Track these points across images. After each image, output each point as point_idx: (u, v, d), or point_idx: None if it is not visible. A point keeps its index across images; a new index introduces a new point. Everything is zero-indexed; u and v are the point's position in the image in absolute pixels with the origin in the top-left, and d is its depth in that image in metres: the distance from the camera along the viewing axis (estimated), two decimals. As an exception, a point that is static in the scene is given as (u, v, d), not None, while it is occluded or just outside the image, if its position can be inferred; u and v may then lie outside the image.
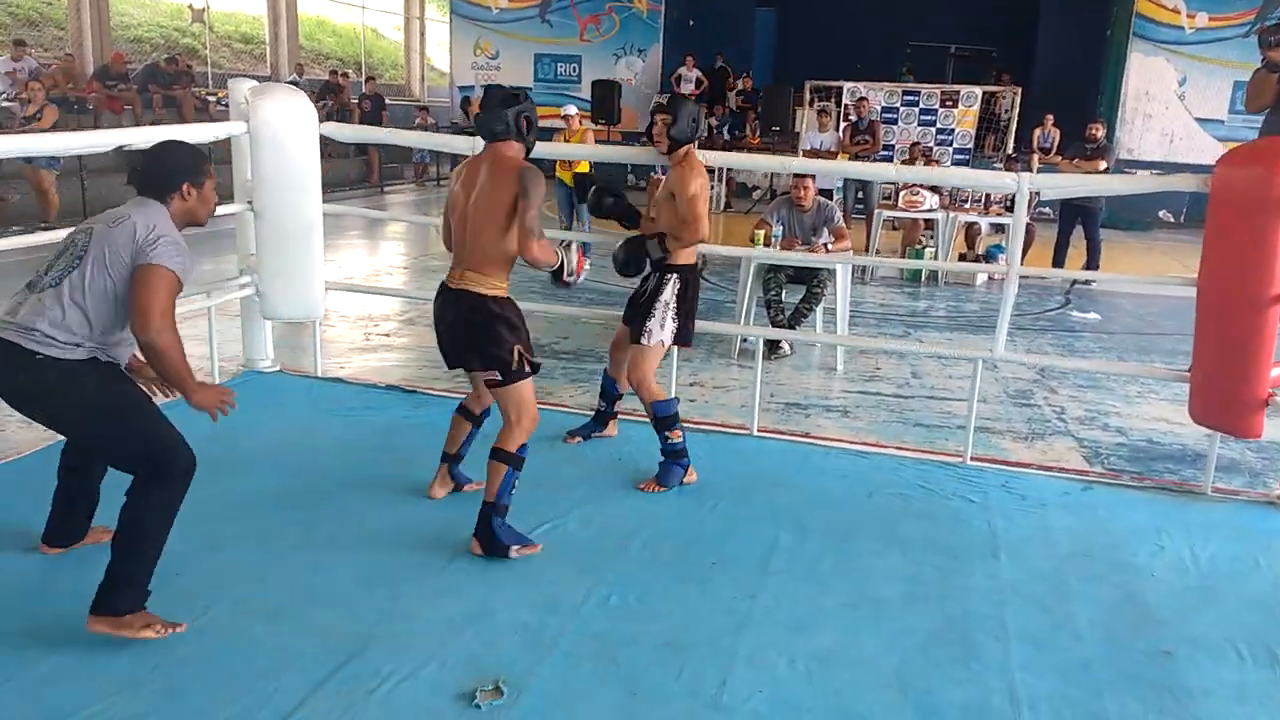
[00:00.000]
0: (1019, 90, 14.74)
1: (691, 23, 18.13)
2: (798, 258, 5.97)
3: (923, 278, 9.31)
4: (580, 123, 8.95)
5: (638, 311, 3.89)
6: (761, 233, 6.14)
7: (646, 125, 3.75)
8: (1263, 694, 2.57)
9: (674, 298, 3.80)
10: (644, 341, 3.82)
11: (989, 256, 9.55)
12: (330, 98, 16.06)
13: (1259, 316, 3.20)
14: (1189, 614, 2.97)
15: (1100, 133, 9.40)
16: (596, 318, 5.89)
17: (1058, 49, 17.48)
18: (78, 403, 2.59)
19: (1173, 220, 14.86)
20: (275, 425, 4.24)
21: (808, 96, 15.01)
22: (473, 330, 3.15)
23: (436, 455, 3.64)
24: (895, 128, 14.41)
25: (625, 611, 2.86)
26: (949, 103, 14.37)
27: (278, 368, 5.02)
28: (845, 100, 14.54)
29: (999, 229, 9.85)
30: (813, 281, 6.23)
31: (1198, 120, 15.02)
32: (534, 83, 17.64)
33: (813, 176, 6.35)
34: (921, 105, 14.47)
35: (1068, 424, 5.08)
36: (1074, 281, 9.12)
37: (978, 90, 14.50)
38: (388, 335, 6.37)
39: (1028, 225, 9.56)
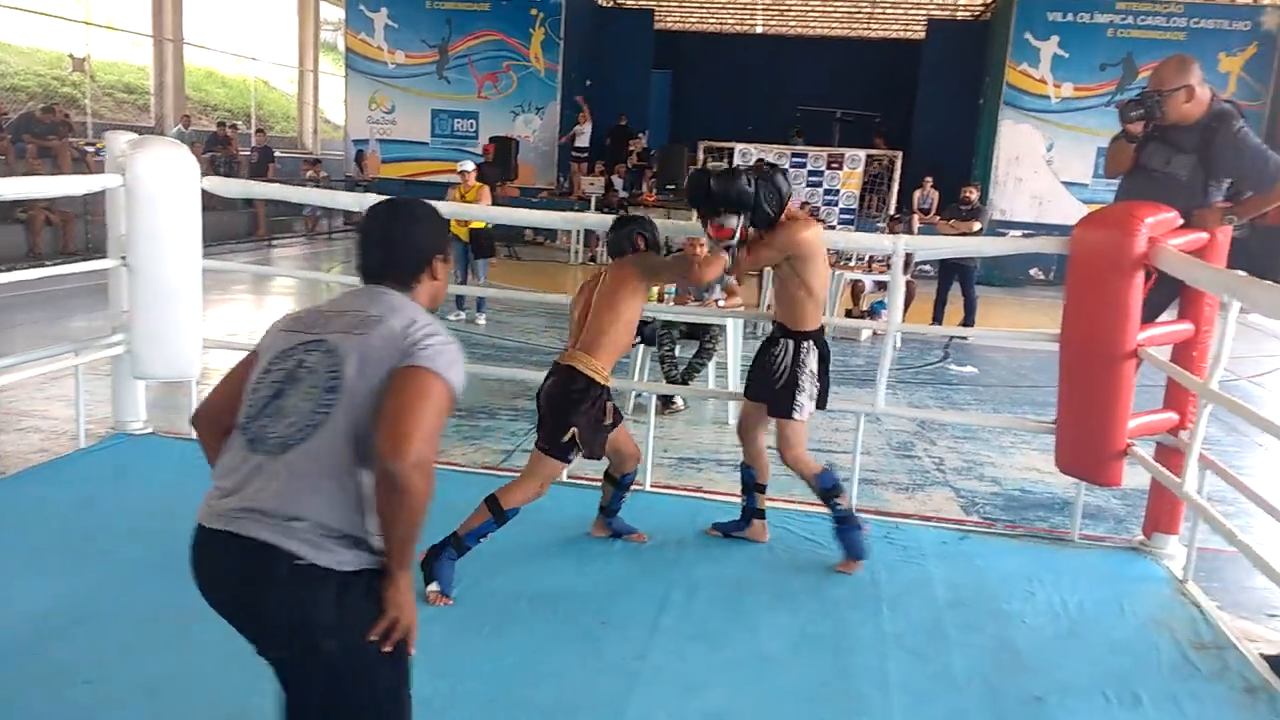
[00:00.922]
0: (900, 154, 15.44)
1: (589, 82, 18.47)
2: (690, 314, 6.08)
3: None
4: (475, 179, 8.95)
5: (773, 386, 3.63)
6: (655, 290, 6.23)
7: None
8: (1126, 735, 2.68)
9: (817, 364, 3.62)
10: (796, 417, 3.61)
11: (873, 312, 9.88)
12: (217, 149, 15.71)
13: (1115, 371, 3.40)
14: (1058, 660, 3.08)
15: (974, 195, 9.91)
16: (491, 375, 5.85)
17: (936, 115, 18.45)
18: (340, 654, 1.72)
19: (1043, 277, 15.71)
20: (145, 492, 4.04)
21: (701, 156, 15.41)
22: (561, 400, 3.42)
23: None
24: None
25: (516, 675, 2.80)
26: (835, 165, 14.94)
27: (150, 430, 4.81)
28: (737, 160, 14.97)
29: (882, 286, 10.22)
30: (705, 337, 6.35)
31: (1064, 183, 15.96)
32: (431, 138, 17.65)
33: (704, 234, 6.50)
34: (809, 167, 15.01)
35: (946, 475, 5.26)
36: (952, 336, 9.52)
37: (861, 154, 15.13)
38: (272, 394, 6.17)
39: (908, 283, 9.98)
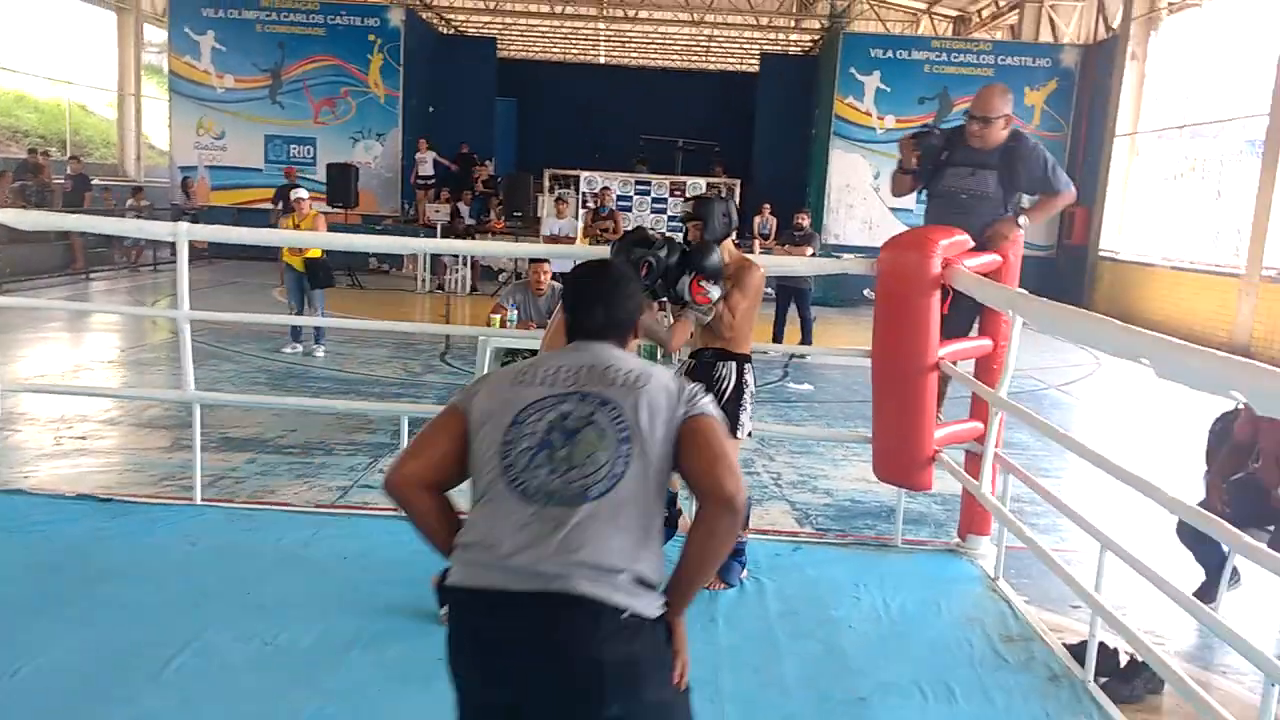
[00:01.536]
0: (738, 182, 15.99)
1: (431, 109, 18.29)
2: (535, 339, 6.08)
3: (658, 355, 9.72)
4: (310, 206, 8.69)
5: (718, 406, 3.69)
6: (498, 317, 6.21)
7: (683, 233, 3.72)
8: (939, 728, 2.84)
9: (744, 384, 3.69)
10: (739, 435, 3.67)
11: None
12: (28, 178, 14.68)
13: (919, 383, 3.63)
14: (881, 660, 3.24)
15: (806, 221, 10.35)
16: (329, 410, 5.68)
17: (772, 145, 19.23)
18: (660, 708, 1.73)
19: (874, 298, 16.50)
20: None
21: (547, 184, 15.51)
22: None
23: (134, 568, 3.35)
24: (630, 214, 15.16)
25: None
26: (677, 192, 15.33)
27: (-56, 481, 4.44)
28: (583, 188, 15.15)
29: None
30: (548, 364, 6.36)
31: (891, 209, 16.86)
32: (265, 164, 17.03)
33: (548, 262, 6.53)
34: (653, 194, 15.34)
35: (783, 489, 5.45)
36: (791, 355, 9.88)
37: (702, 181, 15.59)
38: (84, 438, 5.79)
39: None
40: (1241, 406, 3.79)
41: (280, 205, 15.66)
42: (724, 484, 1.72)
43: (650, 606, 1.71)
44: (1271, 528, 3.79)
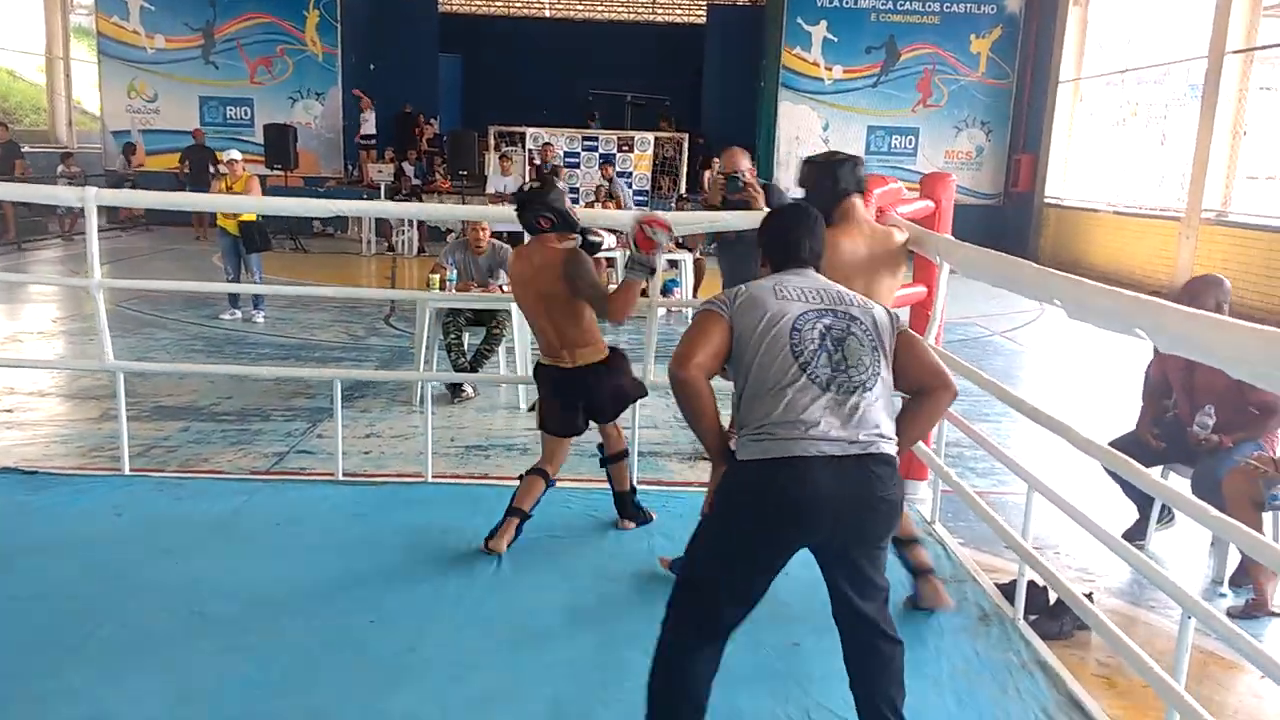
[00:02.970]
0: (686, 135, 15.84)
1: (372, 67, 17.84)
2: (475, 299, 6.01)
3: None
4: (243, 169, 8.45)
5: None
6: (437, 276, 6.11)
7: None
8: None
9: None
10: None
11: (664, 291, 10.10)
12: (-49, 145, 14.14)
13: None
14: (816, 607, 3.22)
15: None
16: (267, 376, 5.57)
17: (721, 98, 19.06)
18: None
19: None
20: None
21: (493, 141, 15.24)
22: (612, 391, 3.62)
23: (58, 540, 3.26)
24: (579, 171, 14.97)
25: (269, 688, 2.68)
26: (625, 147, 15.15)
27: None
28: (529, 145, 14.92)
29: (673, 264, 10.46)
30: (492, 323, 6.28)
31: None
32: (202, 126, 16.53)
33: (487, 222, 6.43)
34: (601, 150, 15.14)
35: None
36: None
37: (650, 136, 15.42)
38: (10, 411, 5.62)
39: (697, 260, 10.28)
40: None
41: (186, 166, 15.37)
42: (939, 376, 2.36)
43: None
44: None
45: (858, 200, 3.28)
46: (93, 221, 4.10)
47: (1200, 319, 2.10)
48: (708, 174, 14.83)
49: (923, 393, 2.37)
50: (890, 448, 2.21)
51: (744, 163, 4.44)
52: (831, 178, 3.26)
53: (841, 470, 2.14)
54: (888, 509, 2.22)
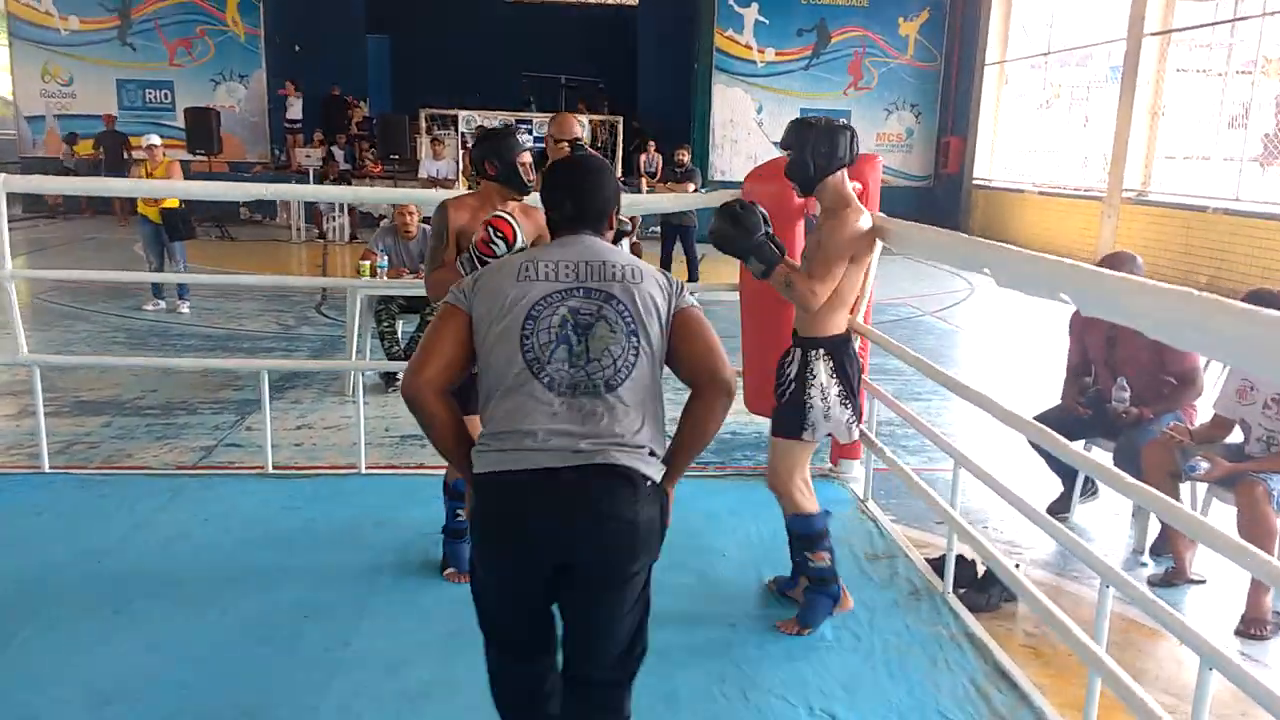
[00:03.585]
0: (620, 119, 15.78)
1: (298, 48, 17.40)
2: (407, 286, 5.92)
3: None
4: (163, 154, 8.19)
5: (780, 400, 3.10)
6: (368, 263, 6.01)
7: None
8: (806, 649, 2.91)
9: (831, 378, 3.01)
10: (805, 437, 3.06)
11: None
12: None
13: (784, 314, 3.64)
14: (751, 587, 3.30)
15: (686, 157, 10.31)
16: (193, 369, 5.43)
17: (655, 81, 19.01)
18: (654, 561, 2.00)
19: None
20: None
21: (424, 124, 15.01)
22: None
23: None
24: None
25: (198, 688, 2.62)
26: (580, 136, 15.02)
27: None
28: (461, 128, 14.72)
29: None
30: (425, 309, 6.19)
31: (774, 144, 16.92)
32: (119, 110, 15.98)
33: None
34: (535, 133, 14.99)
35: (667, 426, 5.46)
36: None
37: (585, 119, 15.31)
38: (-82, 409, 5.40)
39: (634, 245, 10.26)
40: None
41: (102, 153, 14.91)
42: (722, 370, 1.97)
43: (658, 474, 1.93)
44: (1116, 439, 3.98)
45: (846, 177, 3.01)
46: (1, 209, 3.93)
47: (1120, 280, 2.16)
48: (643, 157, 14.82)
49: (693, 393, 1.98)
50: (631, 458, 1.85)
51: (578, 129, 4.08)
52: (829, 145, 2.91)
53: (558, 485, 1.82)
54: (619, 530, 1.84)
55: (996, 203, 15.97)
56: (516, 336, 1.89)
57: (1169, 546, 3.73)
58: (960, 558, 3.33)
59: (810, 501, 3.08)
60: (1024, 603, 2.81)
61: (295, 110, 16.23)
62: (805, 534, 3.06)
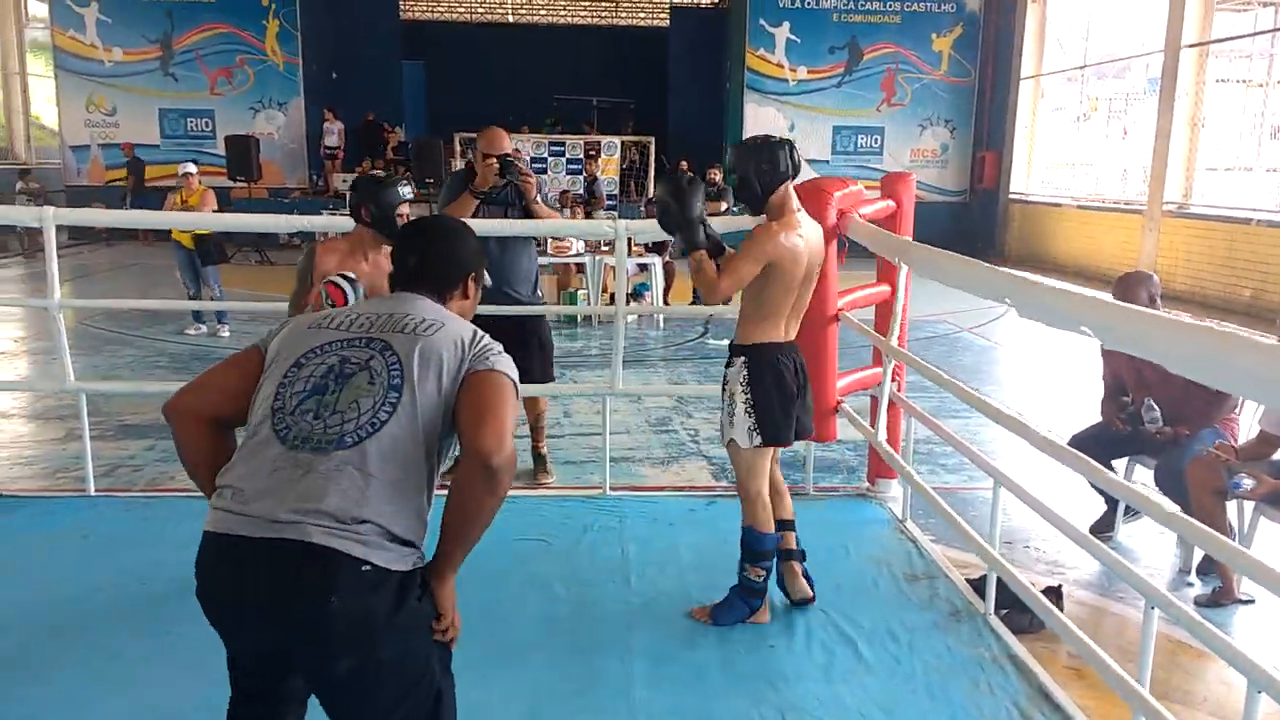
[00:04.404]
0: (652, 139, 15.86)
1: (334, 75, 17.72)
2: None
3: (578, 319, 9.68)
4: (198, 182, 8.36)
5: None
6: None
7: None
8: (845, 671, 2.88)
9: (740, 386, 3.07)
10: (729, 446, 3.16)
11: (636, 295, 10.11)
12: (-96, 164, 13.88)
13: (820, 335, 3.65)
14: (788, 606, 3.28)
15: (718, 176, 10.33)
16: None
17: (686, 101, 19.11)
18: (401, 661, 1.68)
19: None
20: None
21: (458, 148, 15.17)
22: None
23: (24, 563, 3.20)
24: (545, 177, 14.92)
25: (239, 706, 2.65)
26: (592, 152, 15.13)
27: None
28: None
29: (643, 268, 10.48)
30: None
31: (807, 161, 16.81)
32: (161, 139, 16.36)
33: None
34: (568, 155, 15.11)
35: (700, 445, 5.46)
36: (711, 314, 9.88)
37: (617, 140, 15.41)
38: (-29, 434, 5.54)
39: (667, 264, 10.28)
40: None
41: (131, 181, 15.31)
42: (482, 440, 1.65)
43: (400, 561, 1.65)
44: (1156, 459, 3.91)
45: (792, 188, 3.07)
46: (51, 241, 4.04)
47: (1143, 317, 2.14)
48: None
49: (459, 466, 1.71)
50: (334, 538, 1.57)
51: (507, 144, 4.23)
52: (770, 162, 2.98)
53: (242, 557, 1.61)
54: (303, 621, 1.59)
55: (1034, 217, 15.81)
56: (276, 381, 1.72)
57: (1216, 566, 3.65)
58: (1001, 578, 3.28)
59: (766, 518, 3.15)
60: (1062, 637, 2.76)
61: (332, 138, 16.50)
62: (751, 546, 3.15)
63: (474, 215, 4.20)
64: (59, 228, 4.18)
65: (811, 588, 3.28)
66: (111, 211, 9.68)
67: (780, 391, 3.06)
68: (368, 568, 1.60)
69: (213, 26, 16.47)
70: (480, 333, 1.84)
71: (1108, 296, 2.85)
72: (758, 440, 3.07)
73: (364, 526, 1.60)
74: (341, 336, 1.77)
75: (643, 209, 13.72)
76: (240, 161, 14.12)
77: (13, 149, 19.58)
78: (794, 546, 3.29)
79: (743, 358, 3.08)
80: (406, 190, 3.24)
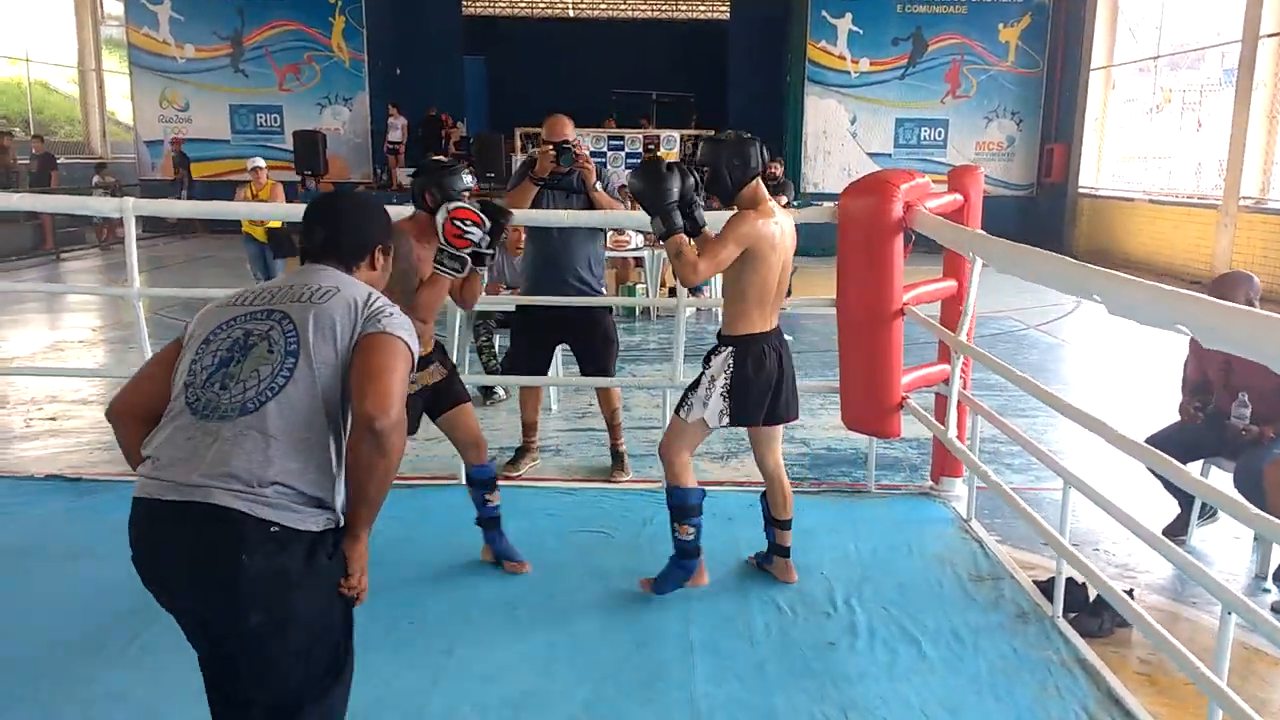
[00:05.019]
0: (711, 133, 15.78)
1: (399, 71, 17.97)
2: (504, 302, 6.03)
3: (636, 313, 9.71)
4: (267, 176, 8.56)
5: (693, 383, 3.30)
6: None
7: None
8: (908, 670, 2.85)
9: (723, 373, 3.17)
10: (680, 415, 3.26)
11: (694, 289, 10.09)
12: (-9, 159, 14.45)
13: (885, 330, 3.61)
14: (850, 605, 3.25)
15: (779, 170, 10.25)
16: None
17: (746, 94, 18.98)
18: (310, 617, 1.77)
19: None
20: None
21: (519, 143, 15.30)
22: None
23: (102, 546, 3.29)
24: (605, 170, 14.97)
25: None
26: (651, 146, 15.13)
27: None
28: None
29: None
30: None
31: (869, 154, 16.73)
32: (231, 135, 16.77)
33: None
34: (627, 149, 15.14)
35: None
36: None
37: (676, 134, 15.40)
38: (54, 419, 5.74)
39: (726, 257, 10.25)
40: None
41: (181, 174, 15.79)
42: (367, 404, 1.71)
43: (309, 521, 1.73)
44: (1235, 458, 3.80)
45: (760, 184, 3.13)
46: (131, 232, 4.17)
47: (1244, 314, 2.07)
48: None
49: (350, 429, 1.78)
50: (240, 500, 1.66)
51: (570, 131, 4.26)
52: (741, 158, 3.07)
53: (157, 520, 1.70)
54: (211, 580, 1.69)
55: (1104, 212, 15.41)
56: (189, 359, 1.81)
57: (1295, 573, 3.54)
58: (1071, 580, 3.22)
59: (688, 476, 3.25)
60: (1139, 630, 2.69)
61: (396, 133, 16.76)
62: (677, 505, 3.24)
63: (537, 202, 4.23)
64: (136, 221, 4.31)
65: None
66: (188, 203, 9.92)
67: (759, 380, 3.18)
68: (276, 528, 1.68)
69: (281, 24, 16.83)
70: (375, 294, 1.90)
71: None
72: (726, 421, 3.19)
73: (271, 489, 1.69)
74: (245, 311, 1.85)
75: (702, 203, 13.66)
76: (308, 156, 14.40)
77: (89, 144, 20.22)
78: (788, 544, 3.43)
79: (730, 348, 3.17)
80: (469, 178, 3.25)
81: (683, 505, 3.24)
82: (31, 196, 6.13)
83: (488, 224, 2.94)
